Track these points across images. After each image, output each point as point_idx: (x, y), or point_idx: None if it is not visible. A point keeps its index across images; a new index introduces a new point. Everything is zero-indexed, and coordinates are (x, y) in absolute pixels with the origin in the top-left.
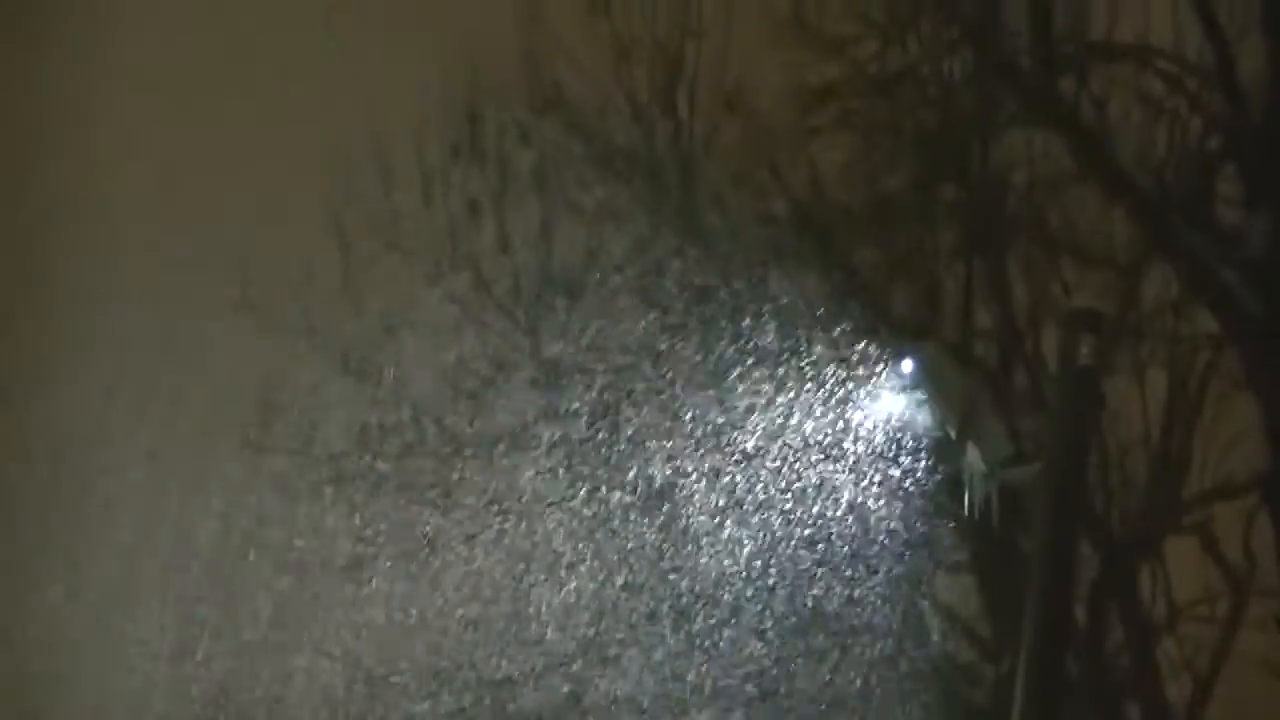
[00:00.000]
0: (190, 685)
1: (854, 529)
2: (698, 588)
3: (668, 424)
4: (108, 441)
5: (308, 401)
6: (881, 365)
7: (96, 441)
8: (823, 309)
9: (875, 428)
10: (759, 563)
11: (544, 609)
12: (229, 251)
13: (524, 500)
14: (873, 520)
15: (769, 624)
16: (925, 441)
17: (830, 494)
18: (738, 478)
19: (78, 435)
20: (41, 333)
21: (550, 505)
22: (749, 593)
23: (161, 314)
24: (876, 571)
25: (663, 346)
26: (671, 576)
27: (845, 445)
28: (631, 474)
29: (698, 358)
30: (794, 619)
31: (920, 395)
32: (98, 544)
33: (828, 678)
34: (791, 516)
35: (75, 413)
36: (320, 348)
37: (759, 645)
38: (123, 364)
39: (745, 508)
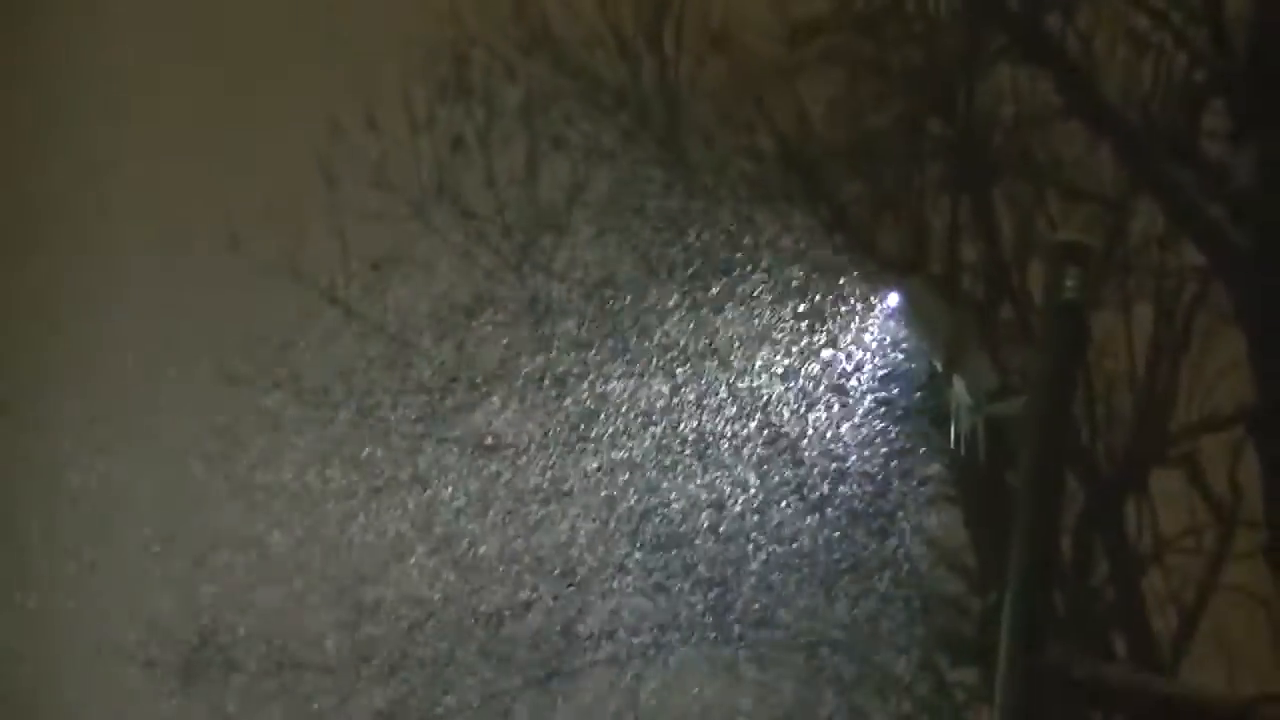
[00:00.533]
0: (176, 616)
1: (839, 462)
2: (684, 520)
3: (653, 358)
4: (90, 375)
5: (293, 337)
6: (868, 299)
7: (79, 375)
8: (809, 244)
9: (861, 361)
10: (744, 495)
11: (533, 541)
12: (216, 187)
13: (511, 433)
14: (858, 453)
15: (754, 556)
16: (911, 375)
17: (816, 427)
18: (724, 410)
19: (60, 366)
20: (37, 270)
21: (538, 438)
22: (734, 524)
23: (151, 249)
24: (862, 504)
25: (648, 281)
26: (658, 510)
27: (831, 379)
28: (617, 407)
29: (683, 292)
30: (779, 551)
31: (906, 329)
32: (85, 477)
33: (813, 610)
34: (776, 449)
35: (58, 345)
36: (306, 284)
37: (744, 578)
38: (114, 296)
39: (730, 440)
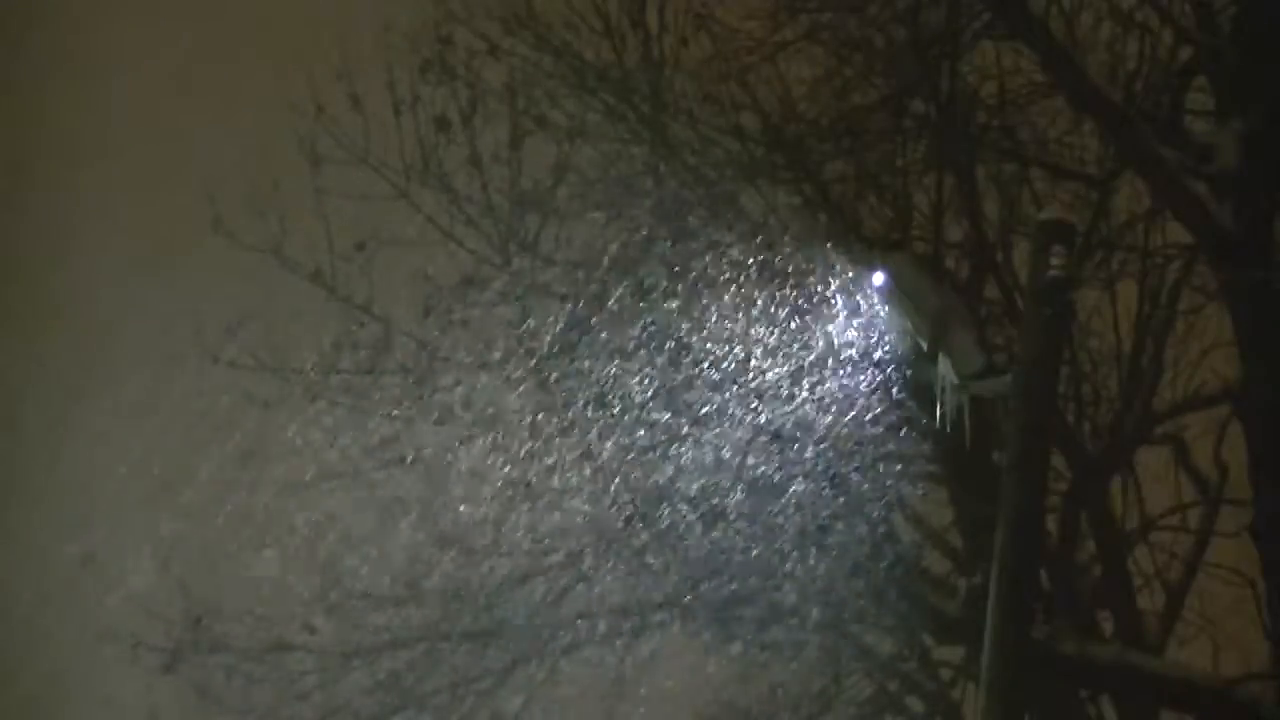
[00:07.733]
0: (165, 598)
1: (825, 441)
2: (668, 500)
3: (639, 338)
4: (79, 360)
5: (277, 318)
6: (853, 278)
7: (68, 360)
8: (793, 222)
9: (846, 340)
10: (730, 475)
11: (521, 521)
12: (200, 168)
13: (495, 415)
14: (844, 432)
15: (740, 534)
16: (897, 353)
17: (801, 406)
18: (709, 391)
19: (49, 352)
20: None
21: (521, 419)
22: (719, 505)
23: (133, 231)
24: (848, 483)
25: (633, 260)
26: (645, 489)
27: (816, 358)
28: (602, 388)
29: (668, 271)
30: (764, 531)
31: (891, 307)
32: (74, 460)
33: (799, 589)
34: (763, 429)
35: (46, 331)
36: (290, 264)
37: (731, 557)
38: (96, 281)
39: (717, 420)
